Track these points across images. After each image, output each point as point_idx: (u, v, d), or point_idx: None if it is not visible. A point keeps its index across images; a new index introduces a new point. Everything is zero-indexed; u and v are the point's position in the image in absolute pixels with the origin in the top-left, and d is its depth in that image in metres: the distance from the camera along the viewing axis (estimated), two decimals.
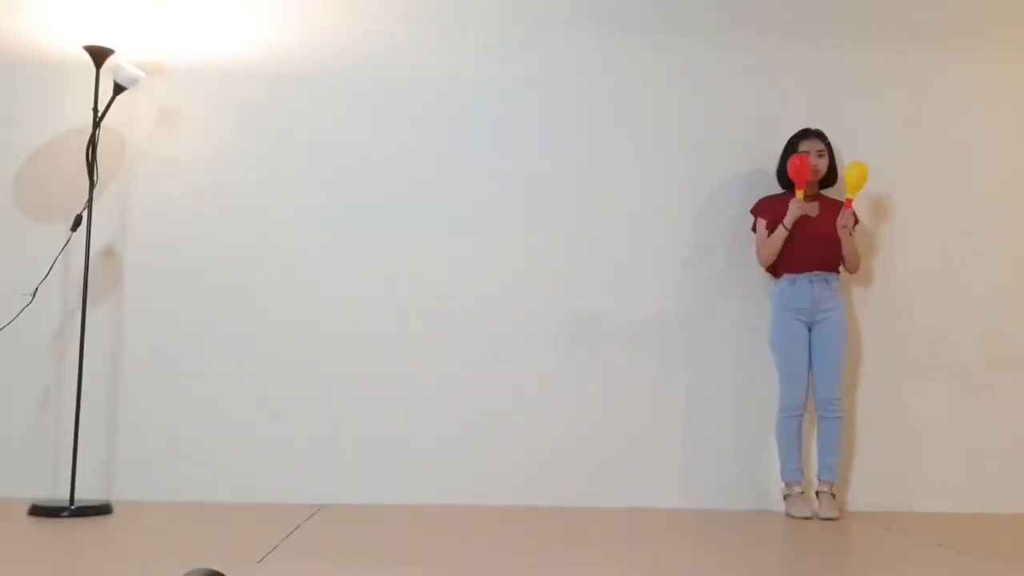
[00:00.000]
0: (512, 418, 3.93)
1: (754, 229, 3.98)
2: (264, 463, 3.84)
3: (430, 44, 4.04)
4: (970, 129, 4.22)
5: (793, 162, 3.77)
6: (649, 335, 4.01)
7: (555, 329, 3.98)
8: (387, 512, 3.65)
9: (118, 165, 3.89)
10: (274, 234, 3.92)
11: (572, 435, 3.94)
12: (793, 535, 3.37)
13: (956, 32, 4.23)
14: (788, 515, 3.81)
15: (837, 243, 3.84)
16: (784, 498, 3.87)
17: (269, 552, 2.77)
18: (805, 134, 3.90)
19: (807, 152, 3.86)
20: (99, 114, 3.60)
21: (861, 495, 4.03)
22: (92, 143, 3.59)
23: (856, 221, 3.92)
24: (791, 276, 3.86)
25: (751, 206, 4.00)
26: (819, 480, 3.84)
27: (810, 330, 3.86)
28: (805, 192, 3.90)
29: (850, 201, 3.78)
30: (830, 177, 3.95)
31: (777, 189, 4.01)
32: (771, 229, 3.88)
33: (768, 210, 3.90)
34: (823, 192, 4.00)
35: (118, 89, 3.62)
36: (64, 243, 3.77)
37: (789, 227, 3.80)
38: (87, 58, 3.73)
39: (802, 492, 3.84)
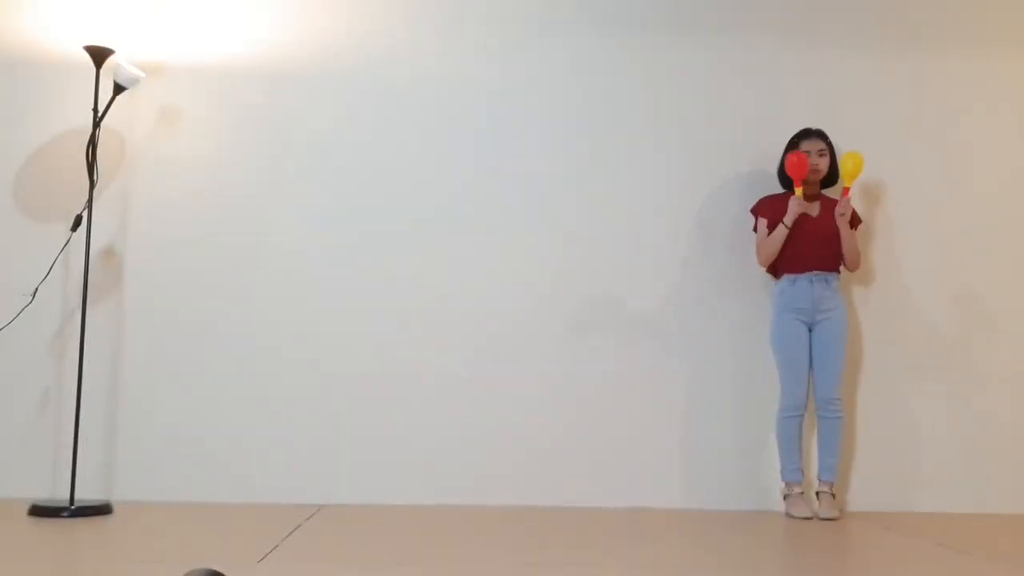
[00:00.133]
0: (512, 418, 3.93)
1: (755, 229, 3.98)
2: (264, 463, 3.84)
3: (430, 44, 4.04)
4: (970, 129, 4.22)
5: (790, 159, 3.78)
6: (649, 335, 4.01)
7: (555, 329, 3.98)
8: (387, 512, 3.65)
9: (118, 165, 3.89)
10: (274, 234, 3.92)
11: (572, 435, 3.94)
12: (793, 535, 3.37)
13: (956, 32, 4.23)
14: (788, 515, 3.81)
15: (838, 242, 3.84)
16: (784, 498, 3.87)
17: (269, 552, 2.77)
18: (806, 134, 3.90)
19: (808, 152, 3.86)
20: (99, 114, 3.60)
21: (861, 495, 4.03)
22: (92, 143, 3.59)
23: (858, 220, 3.93)
24: (791, 276, 3.86)
25: (751, 206, 4.00)
26: (819, 480, 3.84)
27: (810, 330, 3.86)
28: (806, 192, 3.90)
29: (847, 190, 3.79)
30: (831, 177, 3.95)
31: (777, 189, 4.01)
32: (772, 229, 3.88)
33: (769, 210, 3.90)
34: (824, 192, 4.00)
35: (118, 89, 3.62)
36: (64, 243, 3.77)
37: (789, 225, 3.80)
38: (87, 58, 3.73)
39: (802, 492, 3.84)
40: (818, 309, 3.83)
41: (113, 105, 3.69)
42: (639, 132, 4.09)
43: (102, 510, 3.43)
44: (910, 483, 4.05)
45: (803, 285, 3.84)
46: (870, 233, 4.13)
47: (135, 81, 3.62)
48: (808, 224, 3.86)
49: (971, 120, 4.22)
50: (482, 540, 3.07)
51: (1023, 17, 4.27)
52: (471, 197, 4.00)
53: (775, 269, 3.95)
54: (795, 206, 3.79)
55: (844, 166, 3.80)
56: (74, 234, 3.73)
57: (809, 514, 3.76)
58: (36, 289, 3.75)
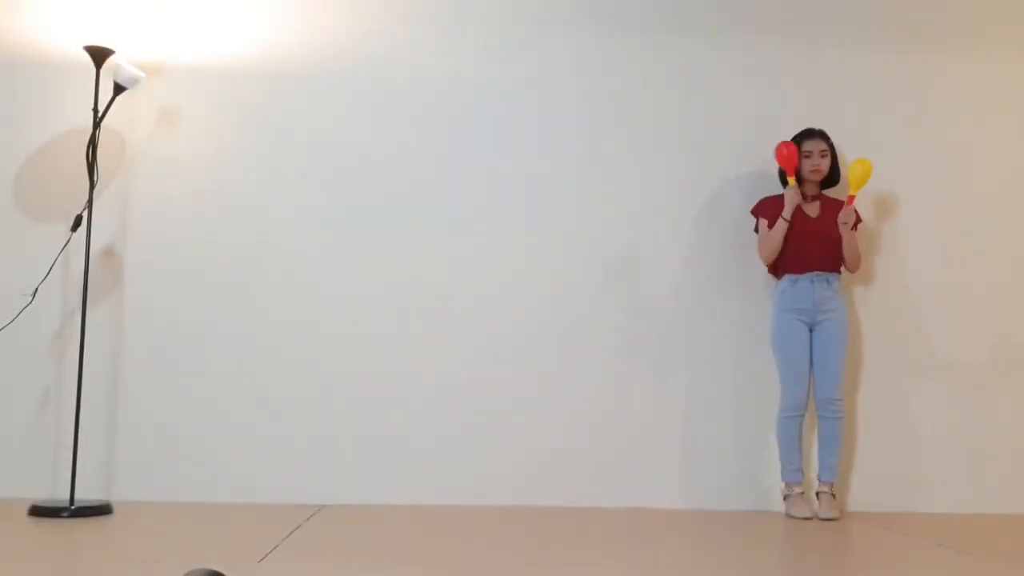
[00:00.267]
0: (512, 418, 3.93)
1: (756, 230, 3.98)
2: (264, 463, 3.84)
3: (430, 44, 4.04)
4: (970, 129, 4.21)
5: (780, 150, 3.80)
6: (649, 335, 4.01)
7: (555, 329, 3.98)
8: (387, 512, 3.65)
9: (118, 165, 3.89)
10: (274, 234, 3.92)
11: (572, 435, 3.94)
12: (793, 535, 3.37)
13: (956, 32, 4.23)
14: (788, 515, 3.81)
15: (838, 243, 3.84)
16: (784, 498, 3.87)
17: (269, 552, 2.77)
18: (808, 134, 3.90)
19: (810, 152, 3.86)
20: (99, 114, 3.60)
21: (861, 495, 4.03)
22: (92, 143, 3.59)
23: (858, 220, 3.92)
24: (792, 277, 3.86)
25: (751, 206, 4.00)
26: (819, 480, 3.84)
27: (811, 330, 3.86)
28: (807, 192, 3.90)
29: (852, 198, 3.79)
30: (832, 177, 3.95)
31: (777, 189, 4.01)
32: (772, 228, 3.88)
33: (769, 210, 3.90)
34: (825, 192, 4.00)
35: (118, 89, 3.62)
36: (64, 243, 3.77)
37: (788, 217, 3.80)
38: (87, 58, 3.73)
39: (802, 492, 3.84)
40: (819, 309, 3.83)
41: (113, 105, 3.69)
42: (639, 132, 4.09)
43: (102, 510, 3.43)
44: (910, 483, 4.05)
45: (804, 285, 3.84)
46: (871, 233, 4.13)
47: (135, 81, 3.62)
48: (809, 224, 3.86)
49: (971, 120, 4.22)
50: (482, 540, 3.07)
51: (1023, 17, 4.27)
52: (471, 197, 4.00)
53: (776, 269, 3.94)
54: (792, 195, 3.79)
55: (852, 172, 3.79)
56: (74, 234, 3.73)
57: (809, 514, 3.76)
58: (36, 289, 3.75)
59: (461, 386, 3.93)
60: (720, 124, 4.11)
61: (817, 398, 3.84)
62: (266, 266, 3.91)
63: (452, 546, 2.95)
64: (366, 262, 3.95)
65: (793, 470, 3.83)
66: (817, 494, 3.84)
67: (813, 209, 3.91)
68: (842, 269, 3.90)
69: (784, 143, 3.81)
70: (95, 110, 3.59)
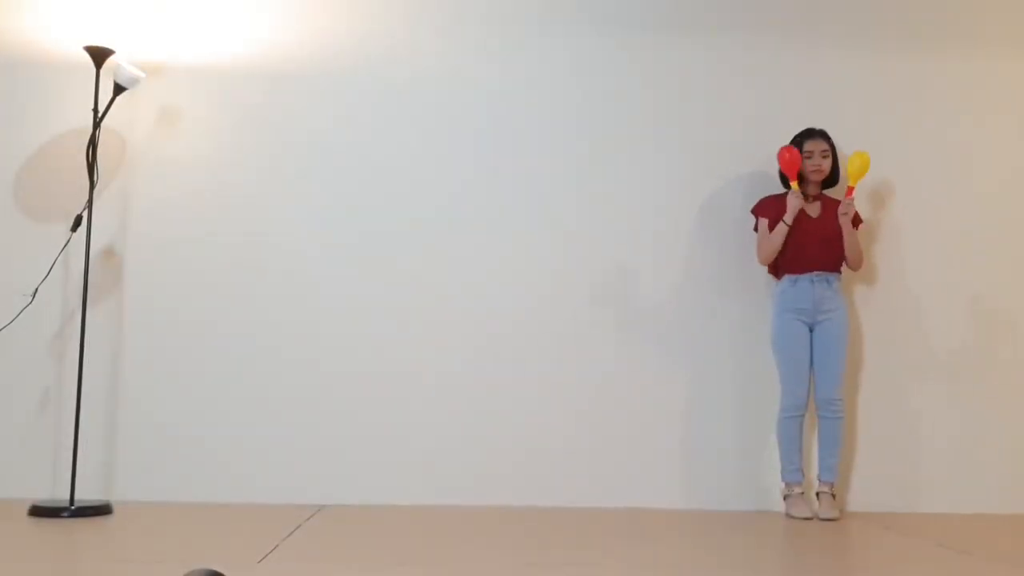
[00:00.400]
0: (512, 418, 3.93)
1: (756, 229, 3.98)
2: (264, 463, 3.84)
3: (430, 44, 4.04)
4: (970, 129, 4.21)
5: (783, 155, 3.80)
6: (649, 335, 4.01)
7: (555, 329, 3.98)
8: (387, 512, 3.65)
9: (118, 165, 3.89)
10: (274, 234, 3.92)
11: (572, 435, 3.94)
12: (793, 535, 3.37)
13: (956, 32, 4.23)
14: (788, 515, 3.81)
15: (839, 243, 3.84)
16: (784, 498, 3.87)
17: (269, 552, 2.77)
18: (809, 134, 3.89)
19: (811, 152, 3.86)
20: (99, 114, 3.60)
21: (861, 495, 4.03)
22: (92, 143, 3.59)
23: (860, 220, 3.92)
24: (792, 277, 3.86)
25: (751, 206, 4.00)
26: (819, 480, 3.84)
27: (811, 331, 3.86)
28: (808, 192, 3.90)
29: (851, 190, 3.79)
30: (833, 177, 3.95)
31: (777, 188, 4.00)
32: (772, 228, 3.87)
33: (770, 210, 3.90)
34: (826, 192, 4.00)
35: (118, 89, 3.62)
36: (64, 243, 3.77)
37: (790, 222, 3.80)
38: (87, 58, 3.73)
39: (802, 492, 3.84)
40: (819, 310, 3.83)
41: (113, 105, 3.69)
42: (639, 132, 4.09)
43: (102, 510, 3.43)
44: (910, 483, 4.05)
45: (804, 285, 3.84)
46: (871, 233, 4.13)
47: (135, 81, 3.62)
48: (809, 224, 3.86)
49: (971, 120, 4.22)
50: (482, 540, 3.07)
51: (1023, 17, 4.27)
52: (471, 197, 4.00)
53: (776, 269, 3.94)
54: (794, 200, 3.79)
55: (851, 165, 3.80)
56: (74, 234, 3.73)
57: (809, 514, 3.76)
58: (36, 289, 3.75)
59: (461, 386, 3.93)
60: (720, 124, 4.11)
61: (817, 398, 3.84)
62: (266, 266, 3.91)
63: (452, 546, 2.95)
64: (366, 262, 3.95)
65: (793, 470, 3.83)
66: (817, 494, 3.84)
67: (814, 209, 3.91)
68: (842, 269, 3.90)
69: (786, 147, 3.81)
70: (95, 110, 3.59)
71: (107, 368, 3.82)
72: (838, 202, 3.92)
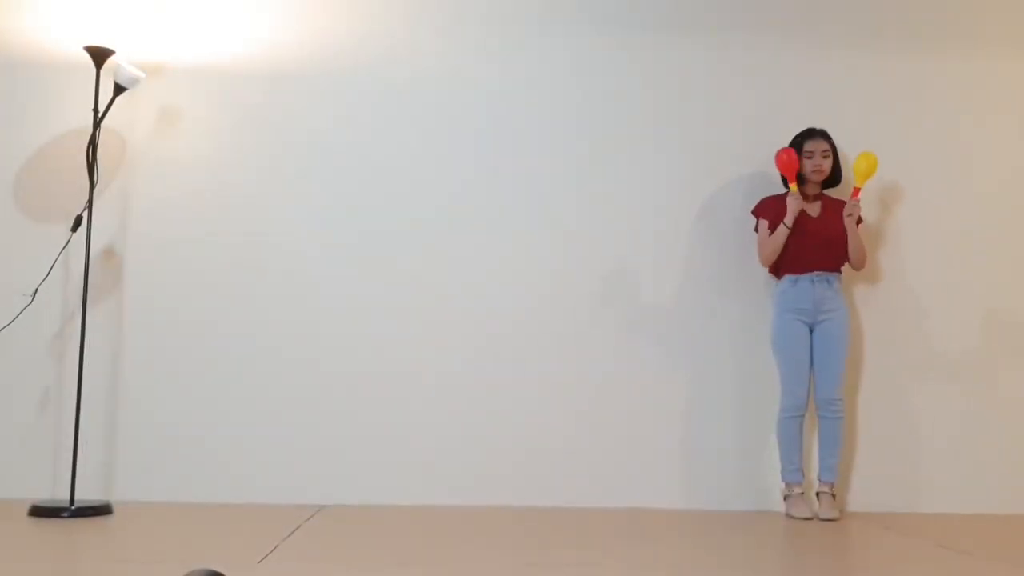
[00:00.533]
0: (512, 418, 3.93)
1: (756, 230, 3.97)
2: (264, 463, 3.84)
3: (430, 44, 4.04)
4: (970, 129, 4.21)
5: (780, 157, 3.80)
6: (649, 335, 4.01)
7: (555, 329, 3.98)
8: (387, 512, 3.65)
9: (118, 165, 3.89)
10: (274, 234, 3.92)
11: (572, 435, 3.94)
12: (793, 536, 3.37)
13: (956, 32, 4.23)
14: (788, 516, 3.81)
15: (840, 243, 3.84)
16: (784, 499, 3.87)
17: (269, 552, 2.77)
18: (810, 134, 3.89)
19: (812, 152, 3.85)
20: (99, 114, 3.60)
21: (861, 495, 4.03)
22: (92, 143, 3.59)
23: (860, 220, 3.92)
24: (793, 277, 3.86)
25: (751, 206, 4.00)
26: (819, 480, 3.84)
27: (812, 331, 3.86)
28: (808, 192, 3.91)
29: (857, 190, 3.79)
30: (834, 177, 3.95)
31: (778, 188, 4.00)
32: (773, 229, 3.87)
33: (770, 210, 3.90)
34: (827, 192, 3.99)
35: (118, 89, 3.62)
36: (64, 244, 3.77)
37: (790, 225, 3.80)
38: (87, 58, 3.73)
39: (802, 493, 3.84)
40: (819, 310, 3.83)
41: (113, 105, 3.69)
42: (639, 132, 4.09)
43: (102, 510, 3.43)
44: (910, 483, 4.05)
45: (805, 286, 3.84)
46: (871, 233, 4.13)
47: (135, 81, 3.62)
48: (810, 224, 3.85)
49: (971, 120, 4.22)
50: (482, 540, 3.07)
51: (1023, 17, 4.27)
52: (471, 197, 4.00)
53: (776, 269, 3.94)
54: (793, 203, 3.79)
55: (858, 166, 3.80)
56: (74, 234, 3.73)
57: (809, 515, 3.76)
58: (36, 289, 3.75)
59: (461, 386, 3.93)
60: (720, 124, 4.11)
61: (817, 398, 3.84)
62: (266, 266, 3.91)
63: (452, 546, 2.95)
64: (366, 262, 3.95)
65: (793, 470, 3.83)
66: (817, 494, 3.84)
67: (814, 209, 3.90)
68: (843, 269, 3.90)
69: (784, 149, 3.81)
70: (95, 110, 3.59)
71: (107, 368, 3.82)
72: (839, 202, 3.92)
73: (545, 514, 3.68)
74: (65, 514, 3.34)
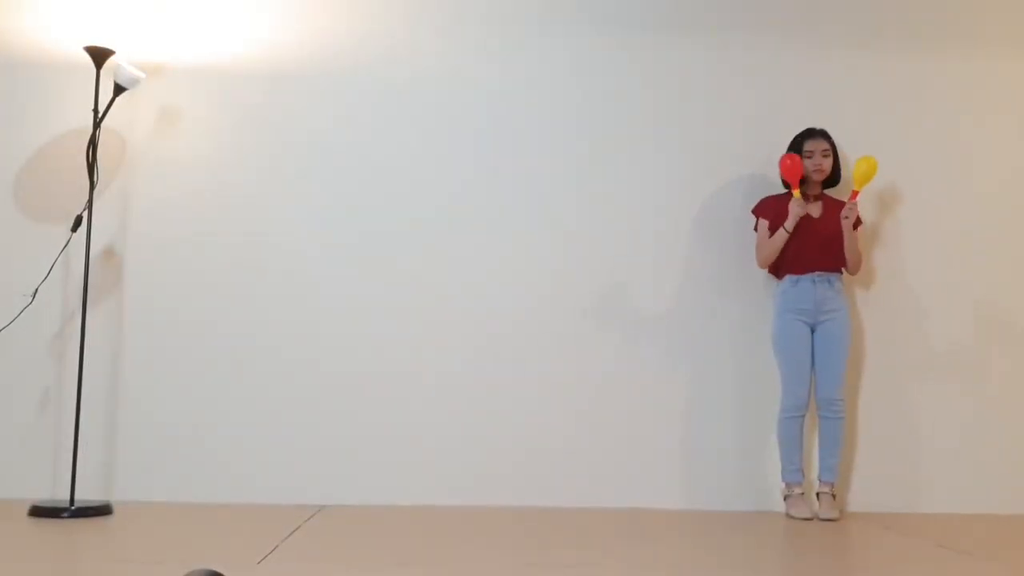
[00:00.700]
0: (512, 418, 3.93)
1: (756, 229, 3.97)
2: (264, 463, 3.84)
3: (430, 44, 4.04)
4: (970, 129, 4.21)
5: (784, 162, 3.79)
6: (649, 335, 4.01)
7: (555, 329, 3.98)
8: (387, 512, 3.65)
9: (118, 166, 3.89)
10: (274, 234, 3.92)
11: (572, 435, 3.94)
12: (793, 536, 3.37)
13: (956, 32, 4.23)
14: (788, 516, 3.81)
15: (840, 243, 3.84)
16: (784, 499, 3.87)
17: (269, 553, 2.77)
18: (810, 133, 3.89)
19: (812, 151, 3.85)
20: (99, 115, 3.60)
21: (862, 496, 4.03)
22: (92, 144, 3.59)
23: (860, 222, 3.92)
24: (794, 277, 3.86)
25: (751, 206, 4.00)
26: (819, 481, 3.84)
27: (813, 331, 3.85)
28: (809, 192, 3.91)
29: (856, 193, 3.79)
30: (834, 177, 3.95)
31: (778, 188, 4.00)
32: (773, 229, 3.87)
33: (770, 210, 3.90)
34: (827, 192, 3.99)
35: (118, 90, 3.62)
36: (64, 244, 3.77)
37: (791, 229, 3.80)
38: (87, 58, 3.73)
39: (802, 493, 3.84)
40: (820, 310, 3.83)
41: (113, 106, 3.69)
42: (639, 132, 4.09)
43: (102, 510, 3.43)
44: (910, 483, 4.05)
45: (806, 286, 3.84)
46: (872, 234, 4.13)
47: (135, 82, 3.62)
48: (811, 225, 3.85)
49: (971, 120, 4.22)
50: (482, 540, 3.07)
51: (1023, 17, 4.27)
52: (471, 197, 4.00)
53: (777, 269, 3.94)
54: (796, 209, 3.78)
55: (857, 169, 3.79)
56: (74, 235, 3.73)
57: (809, 515, 3.76)
58: (36, 290, 3.75)
59: (461, 386, 3.93)
60: (720, 124, 4.11)
61: (818, 398, 3.84)
62: (266, 266, 3.91)
63: (452, 546, 2.95)
64: (366, 262, 3.95)
65: (793, 470, 3.83)
66: (817, 494, 3.84)
67: (815, 209, 3.90)
68: (843, 269, 3.90)
69: (788, 155, 3.81)
70: (95, 110, 3.59)
71: (107, 368, 3.82)
72: (839, 202, 3.92)
73: (545, 514, 3.68)
74: (65, 514, 3.34)
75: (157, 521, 3.29)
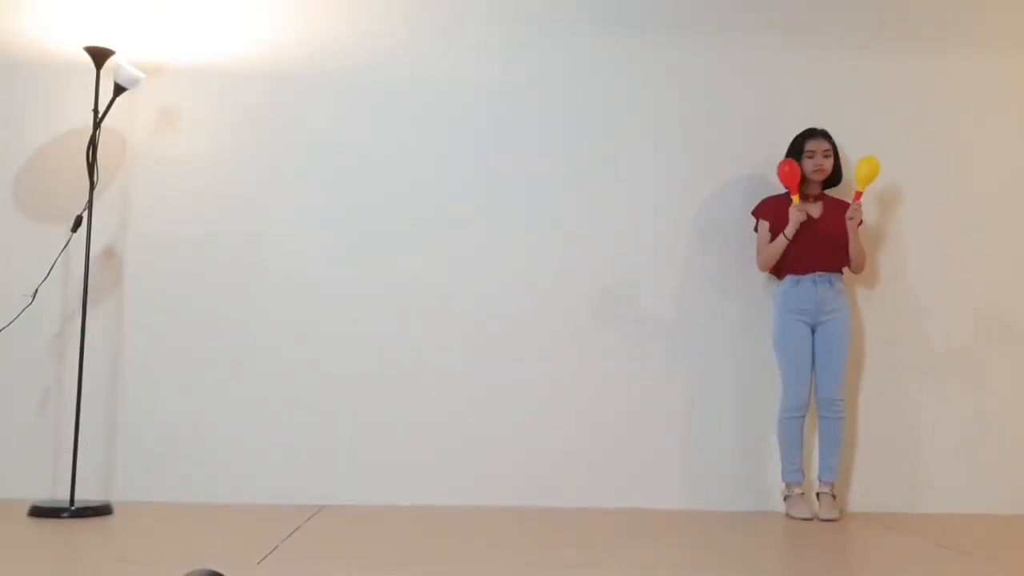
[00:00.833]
0: (512, 418, 3.93)
1: (756, 230, 3.97)
2: (264, 463, 3.84)
3: (430, 44, 4.04)
4: (970, 129, 4.21)
5: (782, 168, 3.80)
6: (649, 335, 4.01)
7: (555, 329, 3.98)
8: (387, 512, 3.65)
9: (118, 166, 3.89)
10: (274, 234, 3.92)
11: (572, 435, 3.94)
12: (793, 536, 3.37)
13: (956, 32, 4.23)
14: (788, 516, 3.81)
15: (842, 243, 3.83)
16: (784, 499, 3.87)
17: (269, 553, 2.77)
18: (811, 134, 3.89)
19: (813, 151, 3.85)
20: (99, 115, 3.60)
21: (862, 496, 4.03)
22: (92, 144, 3.59)
23: (860, 222, 3.92)
24: (795, 277, 3.85)
25: (751, 206, 4.00)
26: (820, 481, 3.84)
27: (813, 331, 3.85)
28: (809, 192, 3.91)
29: (859, 194, 3.79)
30: (835, 177, 3.95)
31: (778, 188, 4.00)
32: (773, 230, 3.87)
33: (770, 212, 3.90)
34: (827, 192, 3.99)
35: (118, 90, 3.62)
36: (64, 244, 3.77)
37: (791, 236, 3.80)
38: (87, 59, 3.73)
39: (802, 493, 3.84)
40: (822, 310, 3.83)
41: (113, 106, 3.69)
42: (639, 132, 4.09)
43: (102, 511, 3.43)
44: (910, 483, 4.05)
45: (807, 286, 3.83)
46: (871, 233, 4.13)
47: (135, 82, 3.62)
48: (812, 225, 3.85)
49: (971, 120, 4.22)
50: (482, 540, 3.07)
51: (1023, 17, 4.27)
52: (471, 197, 4.00)
53: (778, 270, 3.94)
54: (796, 215, 3.78)
55: (860, 170, 3.79)
56: (74, 235, 3.73)
57: (809, 515, 3.76)
58: (36, 290, 3.75)
59: (461, 386, 3.93)
60: (720, 124, 4.11)
61: (819, 398, 3.84)
62: (266, 266, 3.91)
63: (452, 546, 2.95)
64: (366, 262, 3.95)
65: (793, 471, 3.83)
66: (817, 495, 3.84)
67: (816, 209, 3.90)
68: (844, 269, 3.90)
69: (786, 161, 3.81)
70: (95, 110, 3.59)
71: (107, 368, 3.82)
72: (840, 202, 3.92)
73: (545, 514, 3.68)
74: (65, 514, 3.34)
75: (157, 521, 3.29)
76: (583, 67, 4.09)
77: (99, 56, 3.60)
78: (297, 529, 3.19)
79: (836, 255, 3.85)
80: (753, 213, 3.97)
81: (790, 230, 3.79)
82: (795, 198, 3.80)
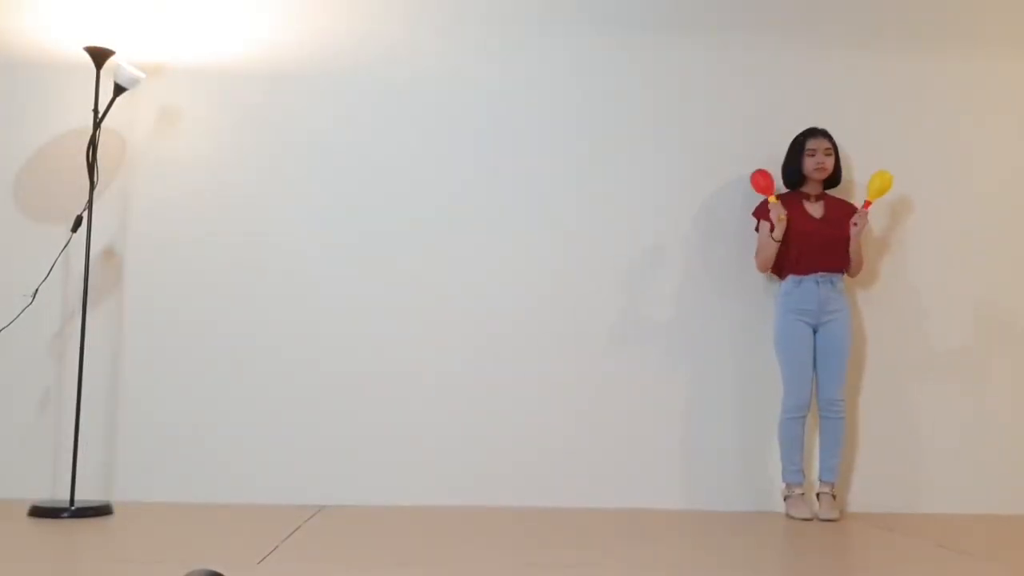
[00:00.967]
0: (512, 418, 3.93)
1: (757, 230, 3.97)
2: (264, 463, 3.84)
3: (430, 44, 4.04)
4: (970, 129, 4.21)
5: (756, 180, 3.84)
6: (649, 335, 4.01)
7: (555, 329, 3.98)
8: (387, 513, 3.65)
9: (118, 166, 3.89)
10: (274, 234, 3.92)
11: (572, 435, 3.94)
12: (793, 536, 3.37)
13: (956, 32, 4.23)
14: (788, 516, 3.81)
15: (843, 244, 3.84)
16: (784, 499, 3.87)
17: (269, 553, 2.77)
18: (812, 132, 3.89)
19: (814, 150, 3.86)
20: (99, 115, 3.60)
21: (862, 496, 4.03)
22: (92, 144, 3.59)
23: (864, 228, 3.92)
24: (796, 278, 3.85)
25: (751, 206, 4.00)
26: (820, 481, 3.84)
27: (815, 331, 3.85)
28: (811, 192, 3.92)
29: (868, 203, 3.80)
30: (835, 177, 3.95)
31: (778, 188, 4.00)
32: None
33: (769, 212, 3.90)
34: (828, 192, 3.99)
35: (118, 90, 3.62)
36: (64, 244, 3.77)
37: (779, 238, 3.80)
38: (87, 59, 3.73)
39: (803, 493, 3.84)
40: (823, 311, 3.83)
41: (113, 106, 3.69)
42: (639, 132, 4.09)
43: (102, 511, 3.43)
44: (911, 483, 4.05)
45: (809, 286, 3.83)
46: (872, 234, 4.12)
47: (135, 82, 3.62)
48: (813, 225, 3.85)
49: (971, 120, 4.22)
50: (482, 540, 3.07)
51: (1023, 17, 4.27)
52: (471, 197, 4.00)
53: (779, 270, 3.94)
54: (774, 211, 3.79)
55: (872, 182, 3.81)
56: (74, 235, 3.73)
57: (809, 515, 3.76)
58: (36, 290, 3.74)
59: (461, 386, 3.93)
60: (720, 124, 4.11)
61: (820, 399, 3.84)
62: (266, 266, 3.91)
63: (452, 546, 2.95)
64: (366, 262, 3.95)
65: (794, 471, 3.83)
66: (817, 495, 3.84)
67: (817, 210, 3.90)
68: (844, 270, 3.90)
69: (759, 171, 3.83)
70: (95, 111, 3.59)
71: (107, 368, 3.82)
72: (842, 202, 3.93)
73: (545, 514, 3.68)
74: (65, 514, 3.34)
75: (157, 521, 3.29)
76: (583, 67, 4.09)
77: (99, 56, 3.60)
78: (297, 529, 3.19)
79: (838, 255, 3.85)
80: (753, 214, 3.97)
81: (778, 232, 3.79)
82: (771, 198, 3.81)
